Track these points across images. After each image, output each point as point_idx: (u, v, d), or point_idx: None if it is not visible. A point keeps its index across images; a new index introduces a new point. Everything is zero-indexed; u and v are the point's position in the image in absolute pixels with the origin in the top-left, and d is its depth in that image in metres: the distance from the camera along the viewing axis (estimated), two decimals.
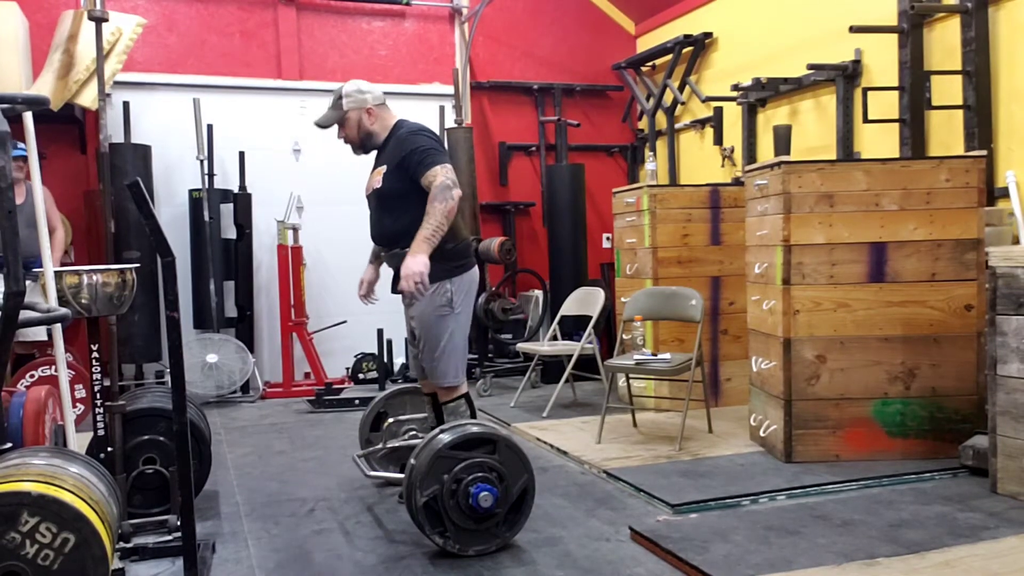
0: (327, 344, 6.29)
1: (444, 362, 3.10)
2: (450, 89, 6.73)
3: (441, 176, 2.96)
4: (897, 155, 4.57)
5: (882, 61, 4.77)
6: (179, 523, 2.56)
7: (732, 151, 6.14)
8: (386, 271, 3.33)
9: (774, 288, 3.78)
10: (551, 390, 5.27)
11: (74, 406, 4.39)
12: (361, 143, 3.21)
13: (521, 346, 5.55)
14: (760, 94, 5.64)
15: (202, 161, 5.95)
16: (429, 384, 3.26)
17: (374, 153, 3.26)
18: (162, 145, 5.96)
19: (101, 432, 2.96)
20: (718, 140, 6.26)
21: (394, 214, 3.10)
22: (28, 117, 3.19)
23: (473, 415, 3.17)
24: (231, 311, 6.05)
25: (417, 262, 2.88)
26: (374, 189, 3.16)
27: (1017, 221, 3.97)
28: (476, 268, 3.21)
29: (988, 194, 3.95)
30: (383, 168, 3.14)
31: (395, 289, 3.21)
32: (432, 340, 3.10)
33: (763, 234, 3.91)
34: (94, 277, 2.80)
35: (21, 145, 4.38)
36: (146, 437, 3.18)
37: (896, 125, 4.60)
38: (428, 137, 3.09)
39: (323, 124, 3.22)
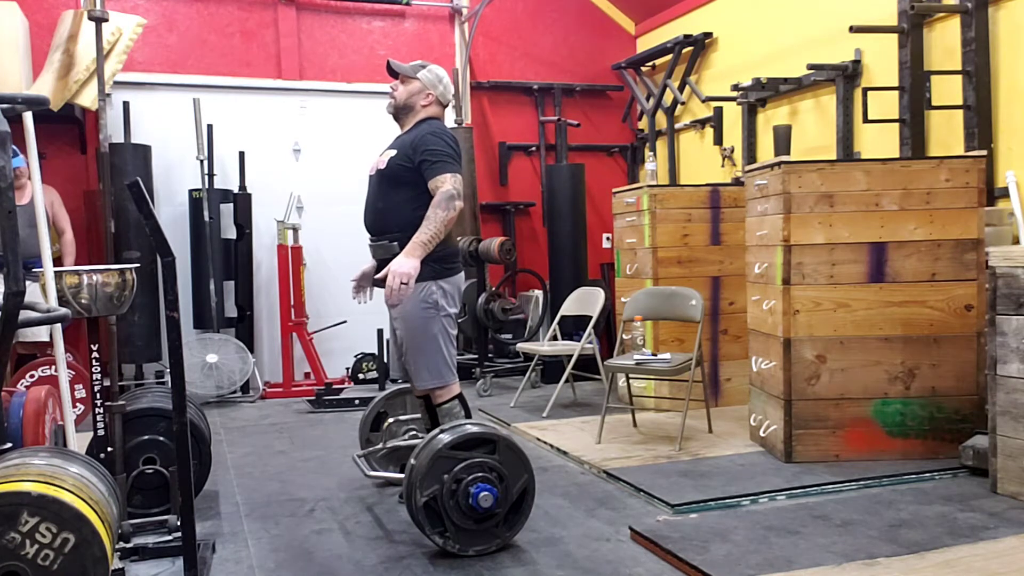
0: (327, 344, 6.29)
1: (427, 364, 3.06)
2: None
3: (449, 184, 2.94)
4: (897, 155, 4.57)
5: (882, 61, 4.77)
6: (179, 523, 2.56)
7: (732, 151, 6.14)
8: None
9: (774, 288, 3.78)
10: (551, 390, 5.27)
11: (74, 406, 4.39)
12: (398, 108, 3.21)
13: (521, 346, 5.55)
14: (760, 94, 5.64)
15: (202, 161, 5.95)
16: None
17: (385, 141, 3.26)
18: (162, 145, 5.96)
19: (101, 432, 2.96)
20: (718, 140, 6.26)
21: (387, 198, 3.09)
22: (28, 117, 3.18)
23: (468, 416, 3.14)
24: (231, 311, 6.04)
25: (407, 263, 2.87)
26: (377, 169, 3.15)
27: (1017, 221, 3.97)
28: (463, 273, 3.20)
29: (988, 194, 3.95)
30: (392, 152, 3.12)
31: (377, 281, 3.20)
32: (415, 342, 3.05)
33: (763, 234, 3.91)
34: (94, 277, 2.79)
35: (21, 156, 4.39)
36: (146, 437, 3.18)
37: (896, 125, 4.60)
38: (448, 142, 3.05)
39: (395, 67, 3.21)
